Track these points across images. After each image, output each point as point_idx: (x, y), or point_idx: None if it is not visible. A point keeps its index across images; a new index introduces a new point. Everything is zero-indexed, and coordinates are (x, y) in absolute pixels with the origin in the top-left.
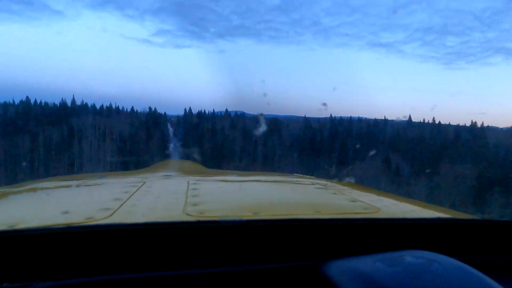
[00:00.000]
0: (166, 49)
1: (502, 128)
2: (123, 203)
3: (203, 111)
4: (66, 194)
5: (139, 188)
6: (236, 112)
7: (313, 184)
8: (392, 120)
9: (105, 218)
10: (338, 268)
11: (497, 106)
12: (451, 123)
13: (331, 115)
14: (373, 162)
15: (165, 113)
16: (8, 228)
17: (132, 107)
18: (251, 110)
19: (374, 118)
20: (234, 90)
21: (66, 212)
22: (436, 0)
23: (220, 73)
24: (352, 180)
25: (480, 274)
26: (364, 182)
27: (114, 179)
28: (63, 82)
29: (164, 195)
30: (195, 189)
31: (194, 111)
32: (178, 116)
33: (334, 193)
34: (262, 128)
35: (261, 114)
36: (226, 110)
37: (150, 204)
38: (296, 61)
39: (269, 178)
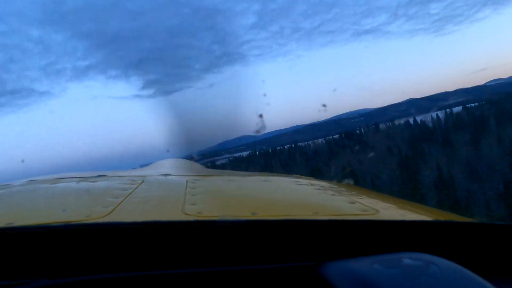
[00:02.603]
0: (157, 98)
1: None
2: (122, 201)
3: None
4: (64, 192)
5: (137, 186)
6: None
7: (311, 185)
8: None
9: (103, 216)
10: (336, 269)
11: (496, 58)
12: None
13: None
14: None
15: None
16: (6, 225)
17: None
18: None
19: (377, 107)
20: (231, 119)
21: (65, 210)
22: None
23: (216, 105)
24: (351, 181)
25: (478, 277)
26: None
27: (112, 177)
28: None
29: (163, 194)
30: (193, 188)
31: (203, 146)
32: None
33: (333, 194)
34: (262, 128)
35: (261, 115)
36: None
37: (148, 202)
38: (287, 72)
39: (268, 179)
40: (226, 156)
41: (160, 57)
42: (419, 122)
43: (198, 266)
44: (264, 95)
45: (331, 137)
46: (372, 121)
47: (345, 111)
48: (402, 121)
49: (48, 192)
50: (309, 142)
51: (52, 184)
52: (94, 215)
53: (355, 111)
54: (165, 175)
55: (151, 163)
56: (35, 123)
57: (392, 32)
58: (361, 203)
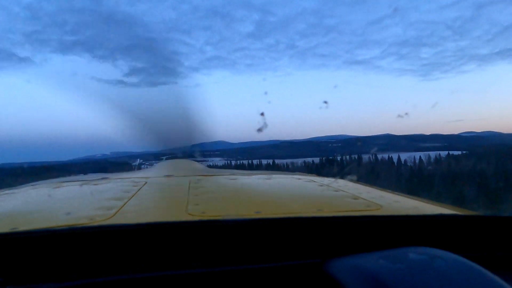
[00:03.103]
0: (141, 88)
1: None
2: (125, 203)
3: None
4: (68, 195)
5: (140, 188)
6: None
7: (315, 182)
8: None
9: (107, 218)
10: (341, 266)
11: (474, 112)
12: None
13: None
14: None
15: None
16: (10, 230)
17: None
18: (231, 139)
19: (355, 135)
20: (211, 122)
21: (69, 213)
22: (409, 13)
23: (198, 107)
24: (354, 178)
25: (484, 270)
26: None
27: (115, 179)
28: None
29: (166, 195)
30: (196, 188)
31: (178, 145)
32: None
33: (336, 191)
34: (263, 126)
35: (262, 113)
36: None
37: (152, 204)
38: (274, 86)
39: (271, 177)
40: (200, 160)
41: (151, 47)
42: (402, 161)
43: (203, 266)
44: (269, 102)
45: (311, 160)
46: (350, 148)
47: (324, 134)
48: (385, 156)
49: (51, 196)
50: (288, 161)
51: (55, 188)
52: (98, 218)
53: (334, 136)
54: (168, 176)
55: (94, 155)
56: (9, 89)
57: (382, 67)
58: (364, 199)
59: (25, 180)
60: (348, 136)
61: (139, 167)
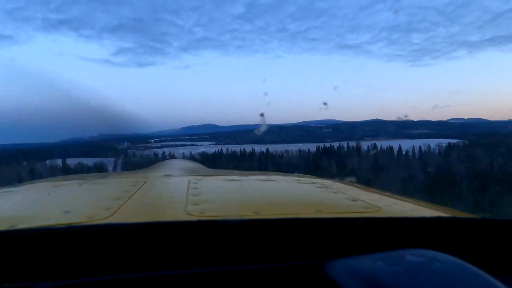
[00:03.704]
0: (129, 68)
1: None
2: (124, 203)
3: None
4: (67, 194)
5: (139, 187)
6: None
7: (314, 183)
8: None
9: (106, 217)
10: (339, 267)
11: (461, 98)
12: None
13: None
14: None
15: None
16: (9, 228)
17: None
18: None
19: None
20: (204, 104)
21: (67, 212)
22: None
23: (187, 88)
24: (353, 179)
25: (482, 273)
26: None
27: (114, 178)
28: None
29: (165, 195)
30: (195, 188)
31: (167, 128)
32: None
33: (335, 193)
34: (263, 127)
35: (262, 114)
36: None
37: (151, 203)
38: (264, 69)
39: (270, 178)
40: (189, 144)
41: (139, 27)
42: (403, 152)
43: (202, 266)
44: (265, 94)
45: (306, 148)
46: (340, 133)
47: (312, 119)
48: (385, 146)
49: (51, 194)
50: (279, 146)
51: (54, 186)
52: (97, 216)
53: (323, 121)
54: (167, 175)
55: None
56: None
57: (373, 52)
58: (363, 201)
59: (9, 163)
60: (337, 121)
61: (125, 152)
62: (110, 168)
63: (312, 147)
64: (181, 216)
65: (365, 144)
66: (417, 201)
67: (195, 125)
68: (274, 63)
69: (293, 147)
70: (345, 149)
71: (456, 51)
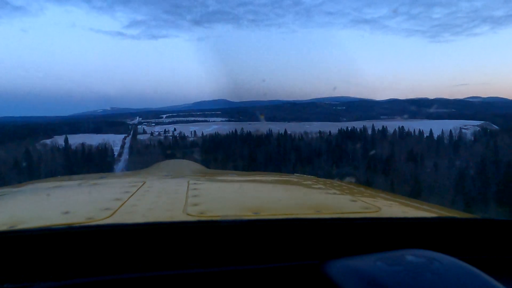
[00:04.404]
0: (141, 40)
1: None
2: (124, 203)
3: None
4: (66, 194)
5: (139, 188)
6: None
7: (313, 183)
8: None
9: (105, 218)
10: (339, 268)
11: (479, 76)
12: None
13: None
14: None
15: None
16: (8, 229)
17: None
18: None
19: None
20: (216, 78)
21: (67, 212)
22: None
23: (200, 62)
24: (353, 179)
25: (481, 273)
26: None
27: (114, 179)
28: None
29: (165, 195)
30: (195, 189)
31: (179, 102)
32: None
33: (335, 193)
34: (263, 127)
35: (262, 114)
36: None
37: (150, 204)
38: (277, 44)
39: (270, 178)
40: (201, 119)
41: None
42: (434, 136)
43: (201, 267)
44: (264, 80)
45: (327, 132)
46: (355, 112)
47: (326, 96)
48: (412, 129)
49: (50, 194)
50: (295, 126)
51: (54, 186)
52: (96, 217)
53: (336, 98)
54: (167, 176)
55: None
56: (4, 39)
57: (390, 27)
58: (362, 201)
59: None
60: (351, 98)
61: (135, 129)
62: (117, 148)
63: (329, 127)
64: (181, 217)
65: (379, 124)
66: (417, 201)
67: (208, 100)
68: (288, 38)
69: (311, 128)
70: (369, 132)
71: (478, 27)
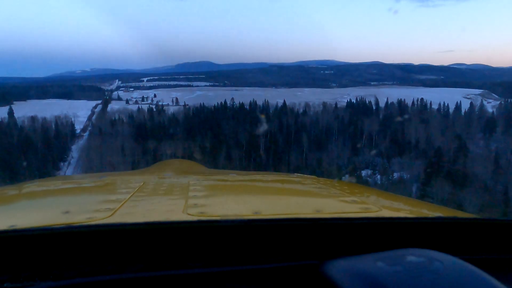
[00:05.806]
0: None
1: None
2: (123, 203)
3: None
4: (66, 194)
5: (139, 187)
6: None
7: (313, 183)
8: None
9: (105, 218)
10: (339, 267)
11: (465, 43)
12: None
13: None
14: None
15: None
16: (8, 228)
17: None
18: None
19: (345, 61)
20: (201, 40)
21: (67, 212)
22: None
23: (183, 22)
24: (353, 180)
25: (482, 273)
26: None
27: (114, 178)
28: None
29: (165, 195)
30: (195, 189)
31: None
32: None
33: (335, 193)
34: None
35: (262, 114)
36: None
37: (150, 204)
38: (263, 4)
39: (270, 178)
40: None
41: None
42: (461, 113)
43: (202, 267)
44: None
45: (333, 104)
46: (344, 77)
47: (312, 59)
48: (413, 98)
49: (50, 194)
50: (301, 103)
51: (54, 186)
52: (96, 217)
53: (323, 61)
54: (167, 176)
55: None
56: None
57: None
58: (363, 201)
59: None
60: (337, 62)
61: (110, 95)
62: (83, 119)
63: (322, 94)
64: (181, 216)
65: (372, 92)
66: (417, 201)
67: (191, 62)
68: None
69: (303, 95)
70: (381, 105)
71: None
